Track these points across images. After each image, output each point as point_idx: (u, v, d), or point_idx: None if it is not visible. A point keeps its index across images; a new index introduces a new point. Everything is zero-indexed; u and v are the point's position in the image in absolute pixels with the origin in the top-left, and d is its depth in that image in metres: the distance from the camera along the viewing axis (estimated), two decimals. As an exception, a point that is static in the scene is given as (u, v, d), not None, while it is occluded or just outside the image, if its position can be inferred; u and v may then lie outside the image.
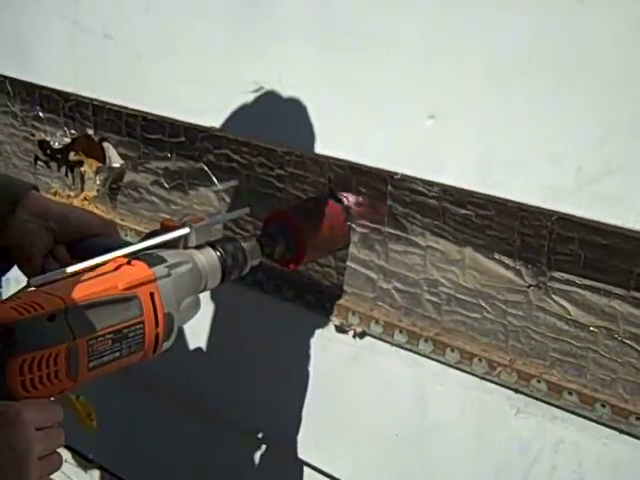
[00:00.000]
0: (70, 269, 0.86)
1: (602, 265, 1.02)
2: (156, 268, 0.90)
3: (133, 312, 0.86)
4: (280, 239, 1.17)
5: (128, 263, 0.90)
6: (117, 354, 0.85)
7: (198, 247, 1.00)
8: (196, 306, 0.97)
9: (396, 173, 1.12)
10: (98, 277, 0.87)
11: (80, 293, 0.83)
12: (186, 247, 0.99)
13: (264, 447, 1.49)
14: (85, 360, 0.81)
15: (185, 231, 0.98)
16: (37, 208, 1.01)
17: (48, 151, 1.68)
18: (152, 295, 0.88)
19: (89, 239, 1.02)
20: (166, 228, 0.99)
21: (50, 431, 0.79)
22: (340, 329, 1.30)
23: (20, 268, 1.02)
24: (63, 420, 0.81)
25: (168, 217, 1.03)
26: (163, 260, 0.92)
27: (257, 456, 1.50)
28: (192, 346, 1.51)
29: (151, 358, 0.91)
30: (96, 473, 1.87)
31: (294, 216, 1.19)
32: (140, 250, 0.93)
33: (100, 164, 1.59)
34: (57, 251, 1.01)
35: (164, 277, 0.91)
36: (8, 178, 1.11)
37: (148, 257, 0.92)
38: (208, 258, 1.00)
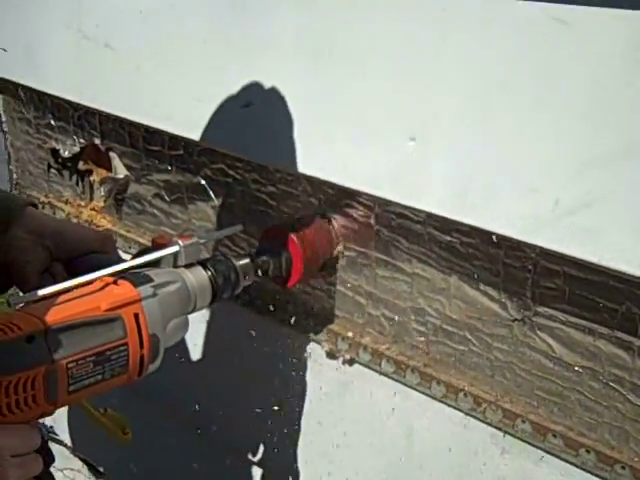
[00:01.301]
0: (50, 289, 0.83)
1: (587, 302, 0.95)
2: (141, 288, 0.87)
3: (116, 334, 0.83)
4: (276, 257, 1.13)
5: (114, 282, 0.87)
6: (99, 377, 0.82)
7: (188, 266, 0.96)
8: (184, 327, 0.93)
9: (378, 198, 1.07)
10: (81, 297, 0.83)
11: (61, 314, 0.79)
12: (175, 266, 0.96)
13: (256, 469, 1.46)
14: (65, 383, 0.78)
15: (174, 249, 0.95)
16: (33, 225, 0.99)
17: (59, 159, 1.67)
18: (136, 316, 0.85)
19: (86, 256, 1.00)
20: (156, 246, 0.96)
21: (27, 458, 0.76)
22: (330, 355, 1.26)
23: (17, 286, 1.00)
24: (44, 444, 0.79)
25: (161, 234, 1.00)
26: (150, 279, 0.89)
27: (248, 476, 1.47)
28: (184, 366, 1.48)
29: (137, 380, 0.87)
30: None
31: (290, 233, 1.15)
32: (127, 269, 0.90)
33: (108, 174, 1.58)
34: (54, 268, 0.99)
35: (149, 297, 0.87)
36: (5, 195, 1.10)
37: (134, 276, 0.88)
38: (198, 277, 0.96)
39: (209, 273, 0.97)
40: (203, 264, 0.98)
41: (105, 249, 1.01)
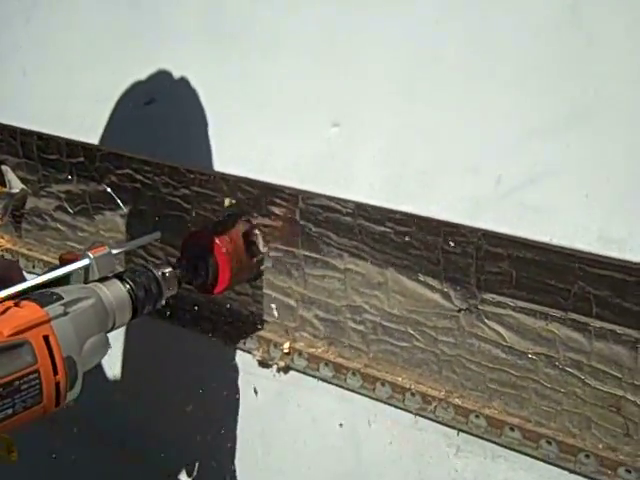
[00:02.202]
0: None
1: (536, 284, 0.89)
2: (49, 307, 0.77)
3: (24, 360, 0.73)
4: (200, 263, 1.04)
5: (16, 305, 0.77)
6: (9, 411, 0.72)
7: (103, 280, 0.88)
8: (104, 346, 0.84)
9: (302, 191, 0.99)
10: None
11: None
12: (88, 281, 0.87)
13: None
14: None
15: (84, 262, 0.87)
16: None
17: (-55, 178, 1.53)
18: (46, 338, 0.76)
19: None
20: (64, 262, 0.87)
21: None
22: (263, 364, 1.17)
23: None
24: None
25: (69, 250, 0.91)
26: (59, 297, 0.80)
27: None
28: (109, 387, 1.37)
29: (55, 411, 0.78)
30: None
31: (213, 237, 1.06)
32: (29, 288, 0.81)
33: (1, 189, 1.45)
34: None
35: (60, 316, 0.78)
36: None
37: (40, 296, 0.79)
38: (115, 291, 0.88)
39: (127, 286, 0.90)
40: (120, 277, 0.90)
41: (9, 276, 0.92)
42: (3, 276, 0.91)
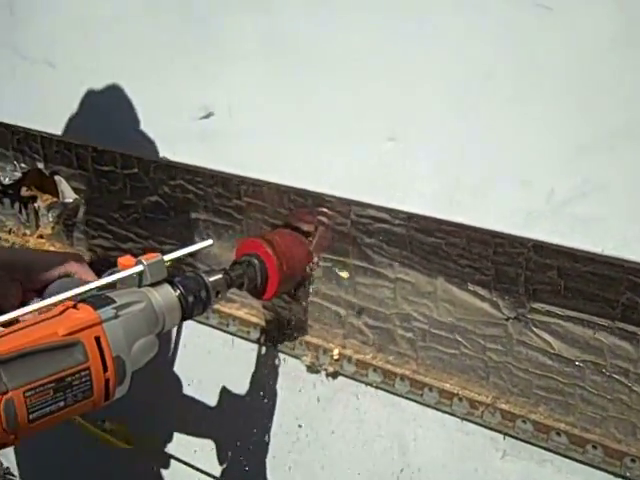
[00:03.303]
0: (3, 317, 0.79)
1: (584, 295, 0.92)
2: (102, 310, 0.83)
3: (76, 359, 0.79)
4: (251, 270, 1.09)
5: (74, 307, 0.83)
6: (61, 404, 0.78)
7: (155, 284, 0.92)
8: (152, 348, 0.89)
9: (355, 202, 1.03)
10: (39, 324, 0.80)
11: (16, 342, 0.76)
12: (140, 285, 0.91)
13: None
14: (24, 412, 0.75)
15: (138, 269, 0.90)
16: None
17: None
18: (98, 339, 0.81)
19: (56, 281, 0.98)
20: (121, 267, 0.91)
21: None
22: (311, 369, 1.21)
23: None
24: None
25: (125, 255, 0.95)
26: (111, 301, 0.84)
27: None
28: (153, 384, 1.41)
29: (104, 405, 0.83)
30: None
31: (264, 245, 1.10)
32: (87, 292, 0.86)
33: (54, 199, 1.50)
34: (28, 299, 0.97)
35: (111, 319, 0.83)
36: None
37: (95, 299, 0.84)
38: (165, 296, 0.92)
39: (177, 291, 0.93)
40: (171, 282, 0.94)
41: (76, 270, 1.00)
42: (70, 270, 0.98)
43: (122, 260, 0.92)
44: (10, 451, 1.78)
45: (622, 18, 0.78)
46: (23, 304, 0.90)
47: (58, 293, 0.84)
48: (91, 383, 0.80)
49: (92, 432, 1.47)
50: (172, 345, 1.39)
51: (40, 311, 0.83)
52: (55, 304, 0.83)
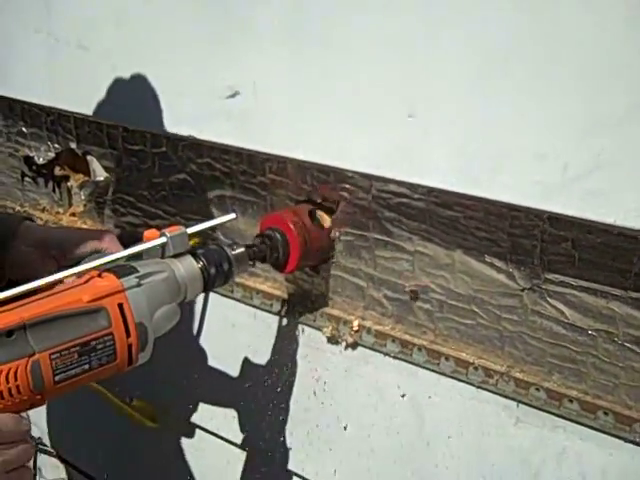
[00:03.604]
0: (26, 286, 0.83)
1: (598, 265, 0.96)
2: (125, 279, 0.88)
3: (100, 324, 0.84)
4: (273, 244, 1.14)
5: (99, 275, 0.88)
6: (86, 367, 0.83)
7: (177, 256, 0.97)
8: (174, 316, 0.94)
9: (377, 177, 1.07)
10: (64, 292, 0.85)
11: (43, 307, 0.81)
12: (163, 256, 0.96)
13: (255, 458, 1.44)
14: (50, 374, 0.80)
15: (161, 240, 0.96)
16: (35, 239, 1.03)
17: (34, 167, 1.64)
18: (121, 306, 0.86)
19: (89, 257, 1.02)
20: (146, 240, 0.96)
21: (16, 445, 0.79)
22: (332, 340, 1.25)
23: None
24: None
25: (151, 229, 1.00)
26: (134, 270, 0.90)
27: (248, 467, 1.45)
28: (178, 356, 1.46)
29: (128, 370, 0.88)
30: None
31: (286, 220, 1.15)
32: (111, 262, 0.91)
33: (86, 178, 1.55)
34: None
35: (134, 287, 0.88)
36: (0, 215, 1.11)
37: (119, 268, 0.90)
38: (188, 267, 0.96)
39: (200, 263, 0.98)
40: (194, 254, 0.98)
41: (107, 246, 1.04)
42: (101, 246, 1.02)
43: (147, 233, 0.97)
44: (42, 420, 1.83)
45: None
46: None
47: None
48: (114, 348, 0.85)
49: (120, 408, 1.52)
50: (197, 318, 1.44)
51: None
52: (81, 273, 0.88)
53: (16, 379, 0.77)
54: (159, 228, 0.98)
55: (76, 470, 1.78)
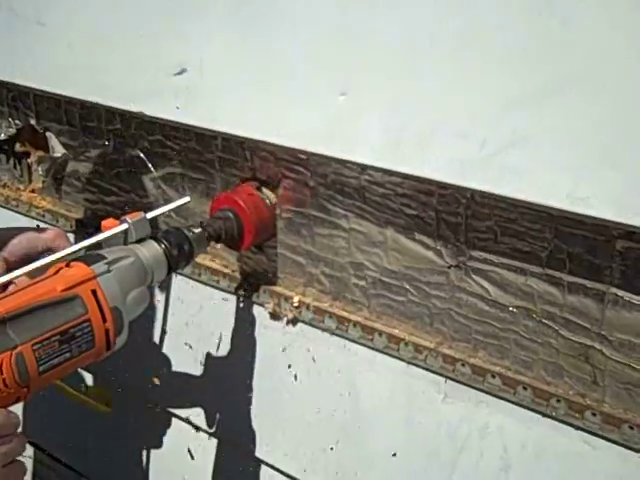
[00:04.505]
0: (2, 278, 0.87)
1: (517, 242, 0.98)
2: (95, 265, 0.90)
3: (76, 311, 0.86)
4: (227, 223, 1.16)
5: (67, 266, 0.90)
6: (67, 355, 0.85)
7: (140, 241, 1.00)
8: (144, 299, 0.97)
9: (311, 153, 1.09)
10: (36, 284, 0.87)
11: (18, 300, 0.83)
12: (126, 243, 0.99)
13: (210, 439, 1.47)
14: (34, 365, 0.82)
15: (123, 227, 0.99)
16: None
17: (-5, 143, 1.66)
18: (94, 292, 0.88)
19: (40, 256, 1.01)
20: (106, 227, 0.99)
21: (8, 439, 0.80)
22: (274, 316, 1.27)
23: None
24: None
25: (109, 218, 1.03)
26: (102, 257, 0.92)
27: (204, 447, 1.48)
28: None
29: (107, 355, 0.91)
30: None
31: (237, 200, 1.18)
32: (77, 251, 0.94)
33: (44, 154, 1.57)
34: None
35: (104, 273, 0.90)
36: None
37: (87, 257, 0.92)
38: (152, 251, 1.00)
39: (162, 246, 1.01)
40: (155, 238, 1.01)
41: (58, 245, 1.04)
42: (52, 245, 1.04)
43: (105, 222, 1.00)
44: None
45: (548, -21, 0.84)
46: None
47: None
48: (92, 334, 0.88)
49: (73, 395, 1.54)
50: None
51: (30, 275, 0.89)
52: (44, 268, 0.90)
53: (2, 372, 0.79)
54: (116, 214, 1.00)
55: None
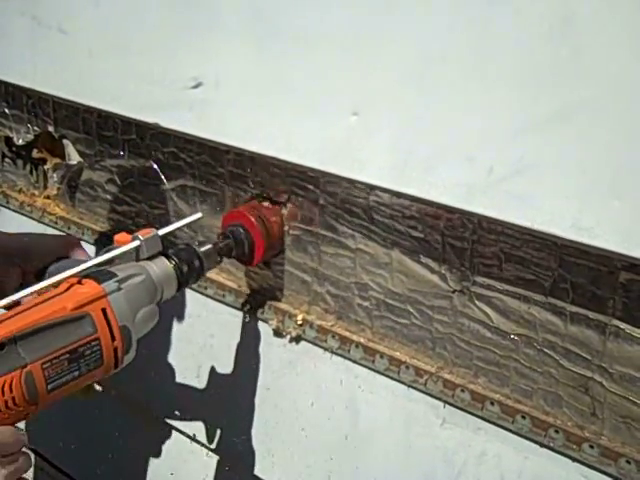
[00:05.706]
0: (9, 298, 0.87)
1: (521, 269, 0.98)
2: (105, 284, 0.91)
3: (86, 330, 0.87)
4: (238, 239, 1.17)
5: (79, 282, 0.91)
6: (76, 373, 0.86)
7: (151, 258, 1.00)
8: (154, 316, 0.97)
9: (321, 171, 1.09)
10: (48, 301, 0.88)
11: (29, 318, 0.84)
12: (138, 259, 1.00)
13: (211, 455, 1.47)
14: (43, 383, 0.82)
15: (135, 244, 0.99)
16: None
17: (13, 148, 1.68)
18: (104, 311, 0.89)
19: (54, 263, 1.04)
20: (118, 244, 0.99)
21: (14, 457, 0.80)
22: (277, 333, 1.27)
23: None
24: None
25: (121, 232, 1.04)
26: (113, 275, 0.93)
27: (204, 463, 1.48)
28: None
29: (114, 372, 0.92)
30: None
31: (247, 214, 1.18)
32: (89, 268, 0.94)
33: (60, 161, 1.59)
34: (27, 282, 1.02)
35: (115, 291, 0.91)
36: None
37: (98, 274, 0.93)
38: (162, 268, 1.00)
39: (172, 262, 1.02)
40: (166, 254, 1.02)
41: (72, 252, 1.06)
42: (66, 253, 1.05)
43: (118, 237, 1.01)
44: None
45: (561, 8, 0.84)
46: (22, 287, 0.95)
47: (57, 274, 0.92)
48: (101, 352, 0.88)
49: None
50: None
51: (42, 291, 0.89)
52: (57, 283, 0.90)
53: (11, 391, 0.79)
54: (130, 231, 1.01)
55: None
